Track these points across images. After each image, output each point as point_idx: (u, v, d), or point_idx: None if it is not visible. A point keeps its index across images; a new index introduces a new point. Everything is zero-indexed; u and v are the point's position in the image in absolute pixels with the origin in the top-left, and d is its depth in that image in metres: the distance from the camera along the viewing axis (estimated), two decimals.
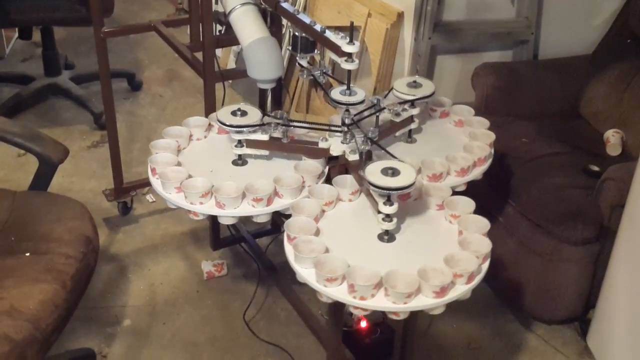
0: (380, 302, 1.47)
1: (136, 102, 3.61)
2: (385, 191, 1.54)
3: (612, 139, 2.51)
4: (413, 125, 1.96)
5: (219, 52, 3.54)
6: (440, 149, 1.94)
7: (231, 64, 3.59)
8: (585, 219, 2.15)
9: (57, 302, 1.59)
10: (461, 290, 1.51)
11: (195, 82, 3.65)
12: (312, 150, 1.84)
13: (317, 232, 1.63)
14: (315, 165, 1.82)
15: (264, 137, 1.82)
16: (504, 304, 2.42)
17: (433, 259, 1.55)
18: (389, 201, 1.57)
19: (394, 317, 1.50)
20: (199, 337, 2.26)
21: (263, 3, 2.11)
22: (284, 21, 2.49)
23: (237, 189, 1.72)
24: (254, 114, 1.83)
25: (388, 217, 1.59)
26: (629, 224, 2.04)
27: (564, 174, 2.32)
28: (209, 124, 2.01)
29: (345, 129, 1.81)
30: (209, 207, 1.72)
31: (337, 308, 1.74)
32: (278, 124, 1.83)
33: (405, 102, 1.91)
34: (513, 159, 2.39)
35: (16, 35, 3.97)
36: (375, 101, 1.88)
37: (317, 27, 1.86)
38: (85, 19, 3.06)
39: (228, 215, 1.72)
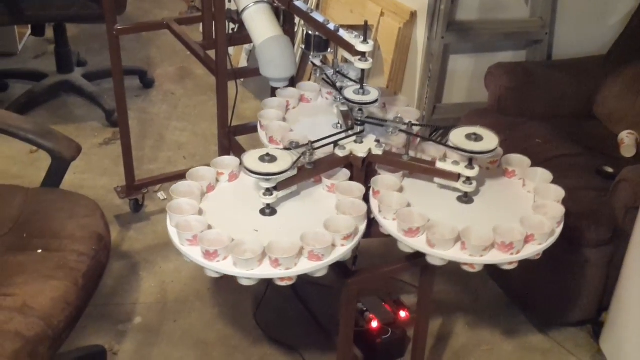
0: (531, 249, 1.59)
1: (148, 100, 3.61)
2: (469, 154, 1.63)
3: (627, 140, 2.49)
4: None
5: (230, 50, 3.54)
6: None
7: (243, 62, 3.59)
8: (599, 221, 2.13)
9: (69, 299, 1.59)
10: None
11: (208, 80, 3.65)
12: (338, 163, 1.75)
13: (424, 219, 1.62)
14: (352, 186, 1.73)
15: (294, 173, 1.66)
16: (515, 305, 2.41)
17: (522, 208, 1.67)
18: (470, 165, 1.64)
19: (536, 258, 1.61)
20: (209, 335, 2.26)
21: (276, 1, 2.11)
22: (297, 19, 2.48)
23: (329, 235, 1.57)
24: (284, 157, 1.65)
25: (469, 180, 1.66)
26: None
27: (577, 175, 2.30)
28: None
29: (360, 128, 1.79)
30: (302, 266, 1.54)
31: (349, 307, 1.73)
32: (311, 150, 1.69)
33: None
34: None
35: (29, 32, 3.98)
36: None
37: (331, 26, 1.85)
38: (98, 16, 3.06)
39: (323, 266, 1.56)
